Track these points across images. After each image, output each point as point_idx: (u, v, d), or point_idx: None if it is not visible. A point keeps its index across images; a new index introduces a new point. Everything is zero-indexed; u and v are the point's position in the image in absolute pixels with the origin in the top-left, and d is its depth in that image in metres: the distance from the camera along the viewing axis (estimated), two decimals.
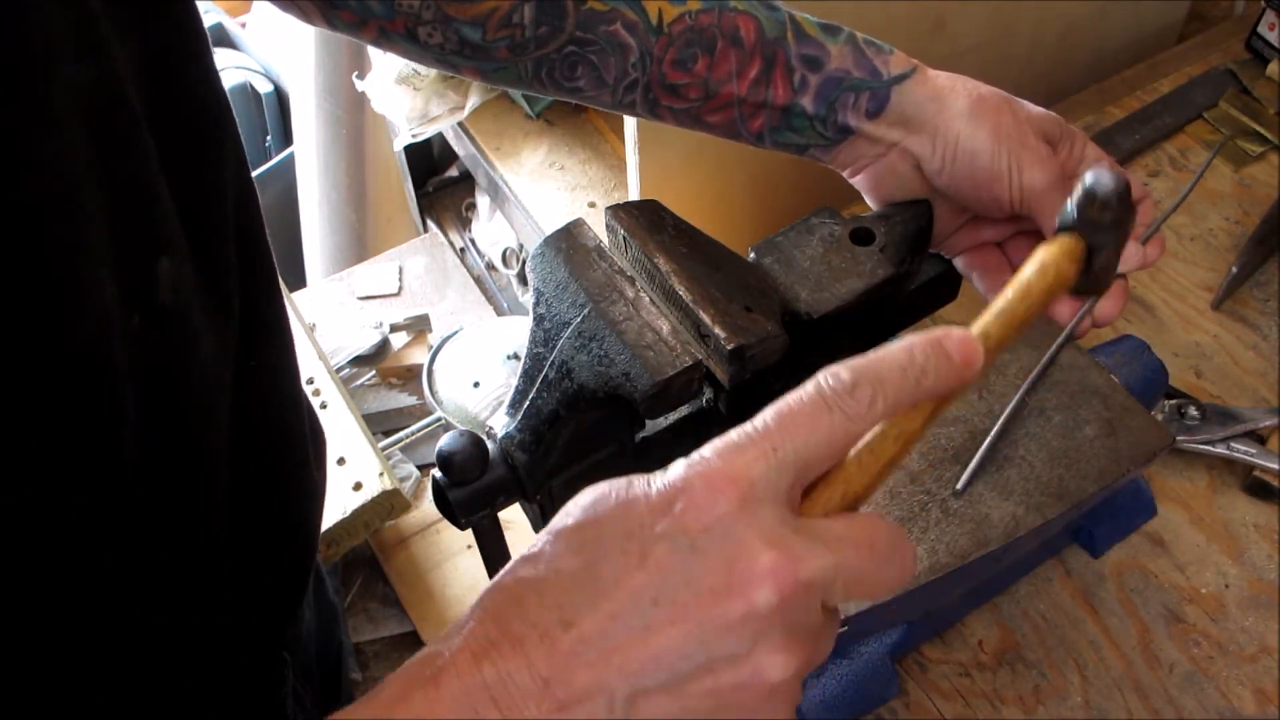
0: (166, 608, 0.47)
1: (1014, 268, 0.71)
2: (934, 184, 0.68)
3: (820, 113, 0.67)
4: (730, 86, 0.66)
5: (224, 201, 0.50)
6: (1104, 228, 0.51)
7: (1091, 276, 0.52)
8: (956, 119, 0.65)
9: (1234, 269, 0.94)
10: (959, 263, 0.73)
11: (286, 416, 0.59)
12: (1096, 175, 0.51)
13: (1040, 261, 0.49)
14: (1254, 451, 0.82)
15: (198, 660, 0.50)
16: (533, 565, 0.39)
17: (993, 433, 0.68)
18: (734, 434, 0.40)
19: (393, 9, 0.63)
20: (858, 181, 0.72)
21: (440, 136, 1.54)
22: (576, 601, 0.37)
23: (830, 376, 0.40)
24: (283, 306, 0.58)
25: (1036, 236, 0.68)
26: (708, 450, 0.39)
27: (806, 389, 0.40)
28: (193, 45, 0.48)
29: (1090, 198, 0.50)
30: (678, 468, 0.39)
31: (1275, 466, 0.81)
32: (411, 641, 1.44)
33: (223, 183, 0.50)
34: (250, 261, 0.52)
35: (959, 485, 0.67)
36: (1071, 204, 0.51)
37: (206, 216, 0.47)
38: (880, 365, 0.40)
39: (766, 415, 0.40)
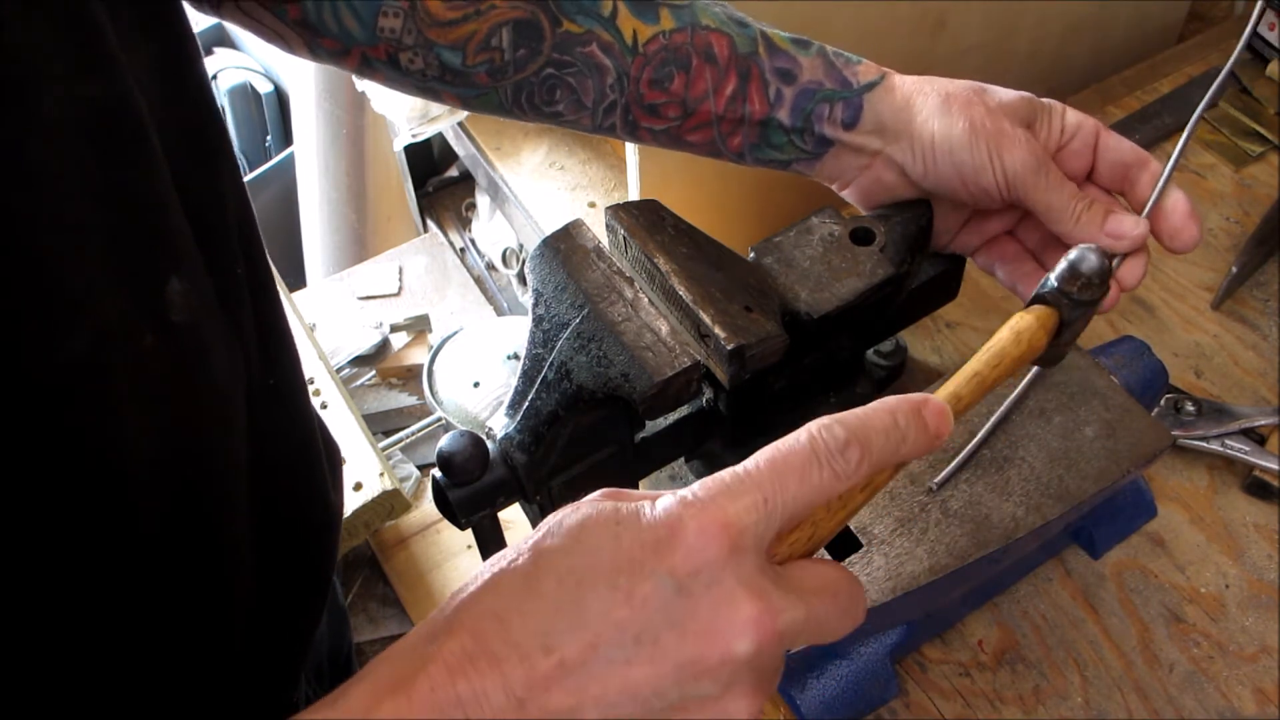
0: (183, 624, 0.46)
1: (1030, 252, 0.71)
2: (921, 187, 0.68)
3: (797, 125, 0.67)
4: (708, 104, 0.67)
5: (226, 211, 0.49)
6: (1081, 304, 0.53)
7: (1055, 349, 0.54)
8: (929, 119, 0.65)
9: (1234, 269, 0.94)
10: (977, 259, 0.73)
11: (300, 432, 0.59)
12: (1082, 253, 0.53)
13: (1015, 330, 0.51)
14: (1253, 451, 0.83)
15: (213, 675, 0.50)
16: (513, 582, 0.39)
17: (983, 430, 0.68)
18: (727, 476, 0.40)
19: (374, 34, 0.63)
20: (848, 195, 0.72)
21: (440, 136, 1.54)
22: (561, 629, 0.38)
23: (824, 432, 0.41)
24: (286, 319, 0.58)
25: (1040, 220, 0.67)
26: (700, 489, 0.40)
27: (800, 440, 0.41)
28: (189, 51, 0.47)
29: (1074, 274, 0.52)
30: (669, 503, 0.40)
31: (1275, 466, 0.81)
32: None
33: (224, 192, 0.49)
34: (254, 273, 0.52)
35: (936, 481, 0.67)
36: (1053, 277, 0.53)
37: (212, 229, 0.47)
38: (868, 427, 0.42)
39: (760, 460, 0.41)
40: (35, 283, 0.36)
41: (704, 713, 0.38)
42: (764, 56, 0.66)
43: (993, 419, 0.69)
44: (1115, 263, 0.64)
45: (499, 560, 0.40)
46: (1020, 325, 0.51)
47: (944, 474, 0.67)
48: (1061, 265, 0.52)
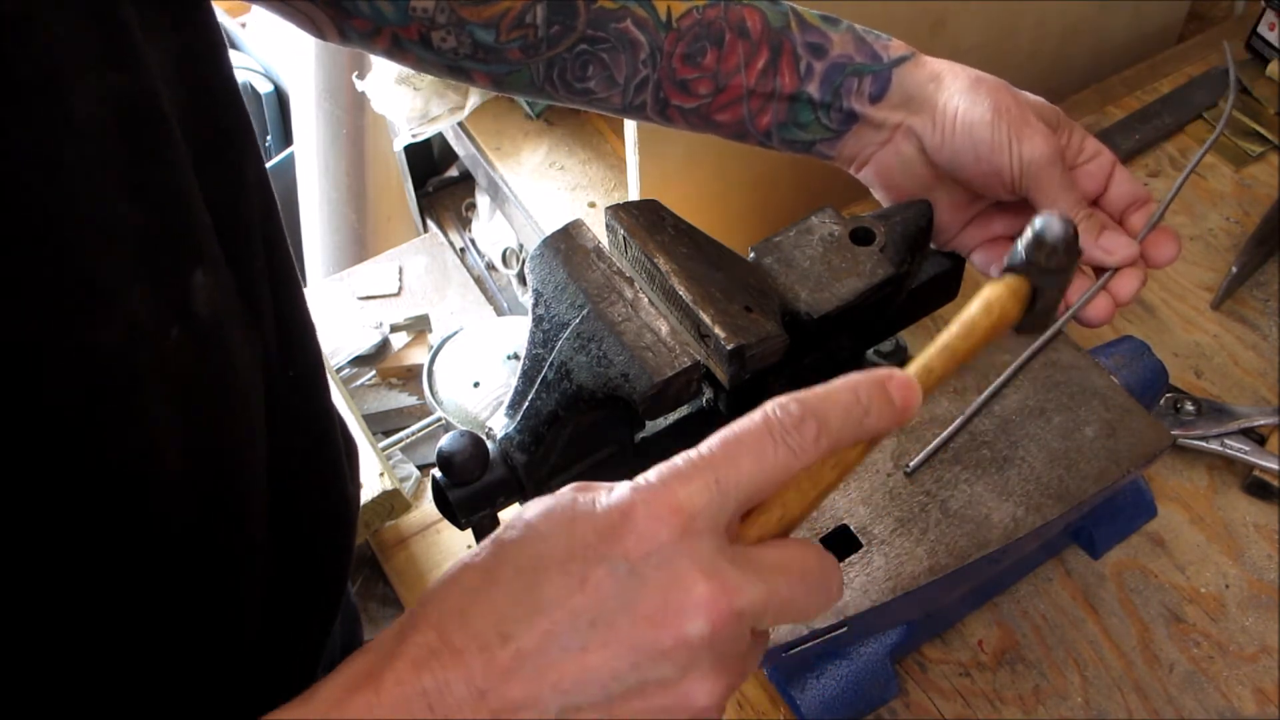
0: (200, 620, 0.46)
1: None
2: (936, 161, 0.69)
3: (826, 99, 0.68)
4: (739, 78, 0.67)
5: (250, 204, 0.49)
6: (1050, 271, 0.53)
7: (1033, 317, 0.54)
8: (957, 95, 0.66)
9: (1234, 269, 0.94)
10: (974, 259, 0.73)
11: (321, 424, 0.59)
12: (1046, 221, 0.53)
13: (986, 300, 0.51)
14: (1253, 451, 0.83)
15: (230, 672, 0.50)
16: (475, 575, 0.39)
17: (960, 418, 0.68)
18: (680, 460, 0.40)
19: (406, 15, 0.63)
20: (864, 174, 0.72)
21: (440, 136, 1.54)
22: (516, 618, 0.38)
23: (779, 409, 0.41)
24: (308, 312, 0.58)
25: None
26: (653, 475, 0.40)
27: (754, 419, 0.41)
28: (214, 45, 0.47)
29: (1039, 242, 0.53)
30: (623, 490, 0.40)
31: (1275, 466, 0.81)
32: None
33: (247, 184, 0.49)
34: (275, 266, 0.52)
35: (909, 466, 0.67)
36: (1021, 246, 0.53)
37: (235, 221, 0.47)
38: (826, 403, 0.41)
39: (713, 442, 0.40)
40: (68, 276, 0.36)
41: (665, 697, 0.38)
42: (795, 31, 0.67)
43: (977, 400, 0.69)
44: (1107, 275, 0.66)
45: (464, 557, 0.40)
46: (990, 296, 0.51)
47: (919, 457, 0.67)
48: (1027, 234, 0.53)
